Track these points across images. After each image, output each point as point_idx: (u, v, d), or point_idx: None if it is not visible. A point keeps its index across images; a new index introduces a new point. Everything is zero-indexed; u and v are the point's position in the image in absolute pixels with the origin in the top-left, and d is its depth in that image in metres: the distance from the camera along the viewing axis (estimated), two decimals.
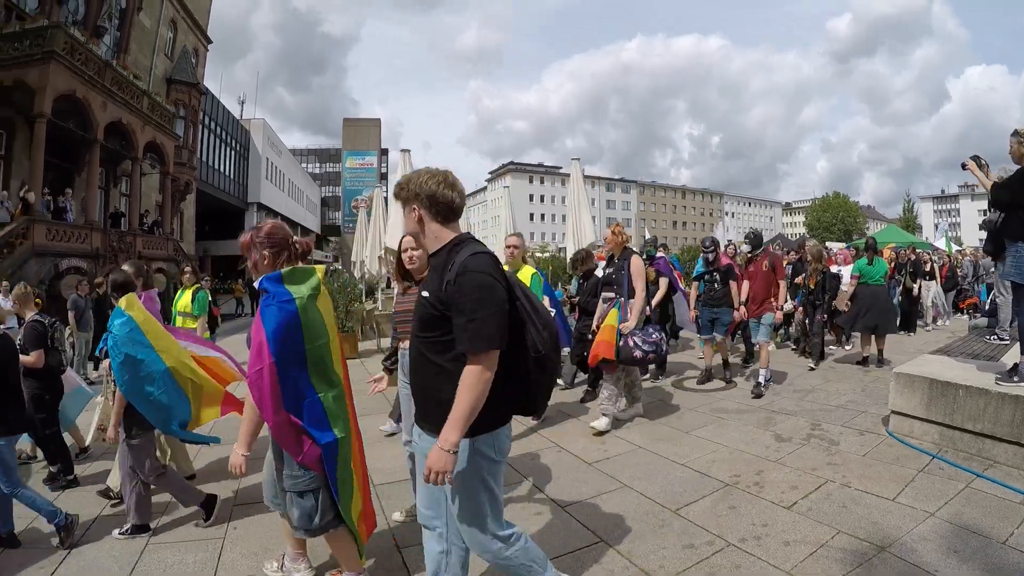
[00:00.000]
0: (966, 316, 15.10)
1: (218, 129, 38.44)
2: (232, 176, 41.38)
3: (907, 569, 3.11)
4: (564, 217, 15.44)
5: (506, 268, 4.83)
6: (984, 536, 3.42)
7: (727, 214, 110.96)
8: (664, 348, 6.13)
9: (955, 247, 23.06)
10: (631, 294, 5.98)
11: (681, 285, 9.65)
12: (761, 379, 7.29)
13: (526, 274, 5.70)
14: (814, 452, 5.06)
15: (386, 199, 16.60)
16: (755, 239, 8.02)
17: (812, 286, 9.04)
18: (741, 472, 4.65)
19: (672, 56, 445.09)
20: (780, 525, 3.70)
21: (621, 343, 5.77)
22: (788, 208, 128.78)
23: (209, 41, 32.30)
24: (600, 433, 5.88)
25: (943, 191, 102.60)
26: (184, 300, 7.80)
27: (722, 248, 8.65)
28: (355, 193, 67.38)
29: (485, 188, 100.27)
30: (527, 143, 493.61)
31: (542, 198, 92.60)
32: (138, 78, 22.72)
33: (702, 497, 4.21)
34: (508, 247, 6.03)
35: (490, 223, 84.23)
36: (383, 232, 14.71)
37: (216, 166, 38.10)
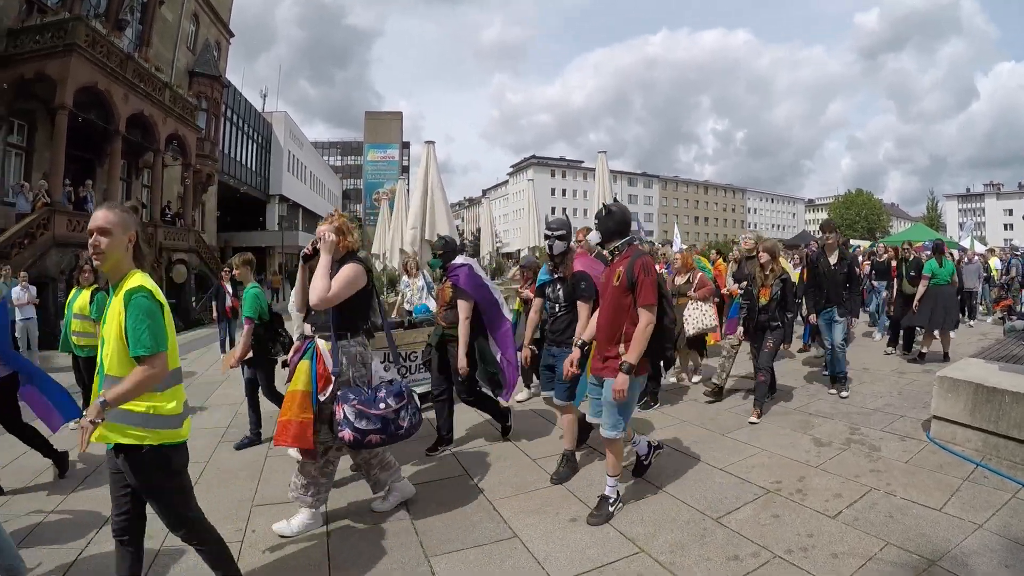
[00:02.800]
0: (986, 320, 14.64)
1: (240, 122, 38.62)
2: (254, 168, 41.60)
3: None
4: (587, 211, 15.34)
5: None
6: None
7: (750, 210, 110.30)
8: (403, 422, 3.83)
9: (980, 246, 22.71)
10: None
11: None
12: (608, 492, 4.08)
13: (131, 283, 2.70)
14: (855, 458, 4.94)
15: (407, 192, 16.57)
16: (610, 220, 4.09)
17: (765, 299, 6.47)
18: (782, 478, 4.53)
19: (697, 51, 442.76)
20: (826, 536, 3.59)
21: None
22: (811, 205, 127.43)
23: (231, 34, 32.38)
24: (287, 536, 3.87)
25: (968, 190, 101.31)
26: (81, 301, 7.05)
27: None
28: (376, 186, 67.78)
29: (507, 182, 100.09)
30: (550, 137, 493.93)
31: (563, 192, 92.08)
32: (160, 70, 22.77)
33: (744, 504, 4.10)
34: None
35: (512, 216, 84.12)
36: (405, 225, 14.65)
37: (238, 158, 38.30)
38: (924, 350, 9.28)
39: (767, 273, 6.51)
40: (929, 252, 9.79)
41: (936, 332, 9.26)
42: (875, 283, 12.25)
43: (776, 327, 6.43)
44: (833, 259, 7.29)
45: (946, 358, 9.02)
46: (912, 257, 9.97)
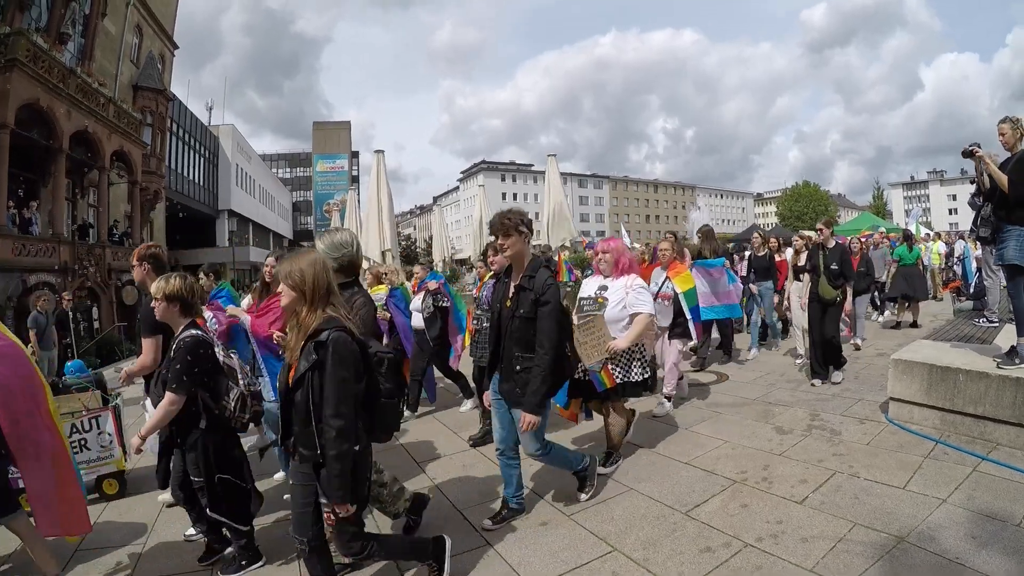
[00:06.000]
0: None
1: (186, 136, 37.89)
2: (202, 183, 40.86)
3: (929, 558, 3.07)
4: (538, 214, 15.52)
5: None
6: (999, 520, 3.40)
7: (698, 207, 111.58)
8: None
9: (925, 231, 23.28)
10: None
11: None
12: None
13: None
14: (817, 443, 5.00)
15: (359, 202, 16.45)
16: None
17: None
18: (747, 468, 4.57)
19: (646, 51, 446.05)
20: (795, 521, 3.62)
21: None
22: (760, 199, 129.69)
23: (176, 46, 31.75)
24: None
25: (912, 177, 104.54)
26: None
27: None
28: (326, 197, 67.10)
29: (457, 188, 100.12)
30: (501, 141, 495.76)
31: (514, 196, 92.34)
32: (103, 85, 22.20)
33: (712, 496, 4.12)
34: None
35: (464, 222, 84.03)
36: (359, 236, 14.54)
37: (185, 174, 37.57)
38: (899, 319, 11.24)
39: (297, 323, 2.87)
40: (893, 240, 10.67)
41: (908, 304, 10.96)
42: (754, 285, 9.40)
43: (306, 455, 2.79)
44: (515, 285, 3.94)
45: (915, 324, 10.82)
46: (834, 245, 7.23)
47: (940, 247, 16.53)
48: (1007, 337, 5.44)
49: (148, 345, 3.93)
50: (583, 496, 4.25)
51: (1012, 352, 4.75)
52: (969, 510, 3.55)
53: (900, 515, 3.55)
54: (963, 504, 3.63)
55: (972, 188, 5.51)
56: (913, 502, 3.71)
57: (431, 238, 36.71)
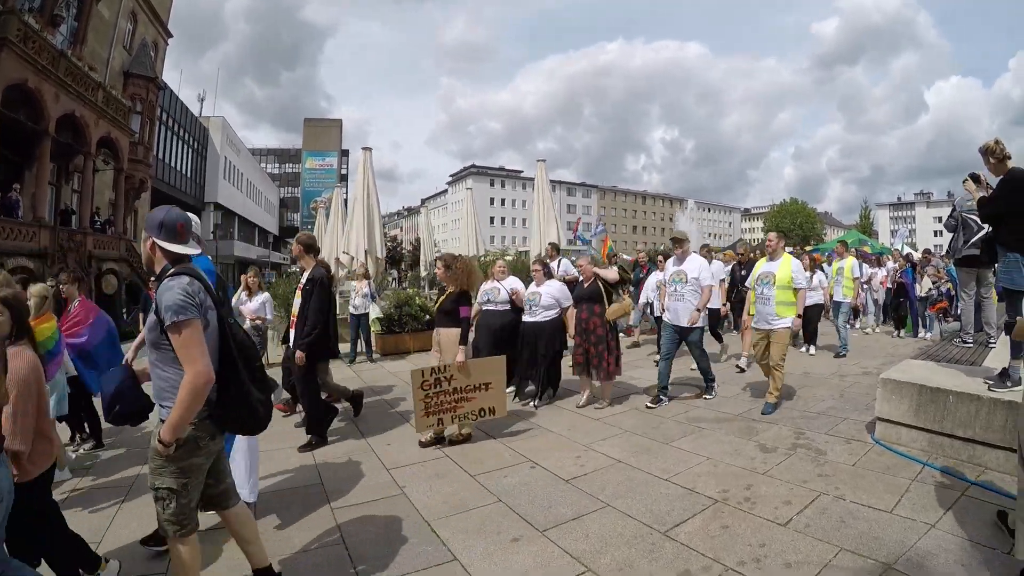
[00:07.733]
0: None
1: (176, 126, 37.64)
2: (189, 175, 40.54)
3: None
4: (525, 221, 15.40)
5: None
6: (988, 547, 3.30)
7: (688, 219, 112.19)
8: None
9: (909, 250, 23.36)
10: None
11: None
12: None
13: None
14: (802, 463, 4.85)
15: (345, 201, 16.27)
16: None
17: None
18: (729, 487, 4.40)
19: (651, 60, 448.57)
20: (778, 544, 3.46)
21: None
22: (747, 214, 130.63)
23: (169, 35, 31.55)
24: None
25: (899, 198, 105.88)
26: None
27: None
28: (314, 194, 66.83)
29: (446, 191, 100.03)
30: (499, 144, 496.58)
31: (503, 201, 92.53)
32: (93, 70, 21.94)
33: (692, 516, 3.94)
34: None
35: (451, 226, 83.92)
36: (341, 234, 14.41)
37: (173, 164, 37.29)
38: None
39: None
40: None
41: None
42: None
43: None
44: None
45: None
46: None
47: (853, 267, 11.37)
48: (998, 359, 5.35)
49: None
50: None
51: (1004, 374, 4.66)
52: (959, 537, 3.43)
53: (887, 541, 3.42)
54: (952, 530, 3.52)
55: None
56: (901, 527, 3.59)
57: (418, 240, 36.49)
